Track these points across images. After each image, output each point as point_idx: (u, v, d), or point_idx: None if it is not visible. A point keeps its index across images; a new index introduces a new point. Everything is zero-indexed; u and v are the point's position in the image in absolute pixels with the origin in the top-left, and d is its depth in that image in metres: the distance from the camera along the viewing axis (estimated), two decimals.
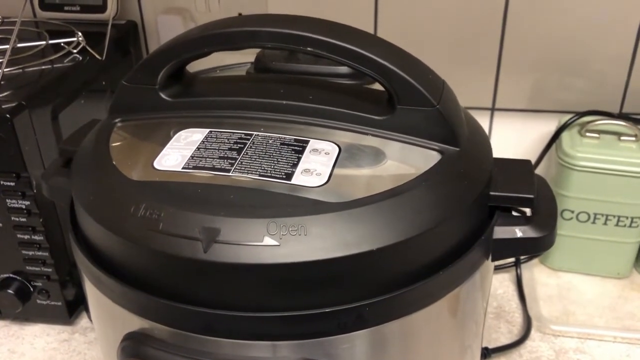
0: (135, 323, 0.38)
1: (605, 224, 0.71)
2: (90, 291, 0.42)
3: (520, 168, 0.42)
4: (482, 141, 0.43)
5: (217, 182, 0.37)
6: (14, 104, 0.58)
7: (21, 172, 0.59)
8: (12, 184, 0.60)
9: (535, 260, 0.76)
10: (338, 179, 0.38)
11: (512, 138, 0.81)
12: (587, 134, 0.70)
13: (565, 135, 0.72)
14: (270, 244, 0.33)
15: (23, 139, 0.58)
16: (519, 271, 0.74)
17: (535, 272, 0.75)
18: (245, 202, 0.36)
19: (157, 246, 0.34)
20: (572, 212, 0.71)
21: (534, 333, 0.67)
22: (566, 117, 0.73)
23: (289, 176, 0.37)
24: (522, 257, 0.75)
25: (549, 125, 0.77)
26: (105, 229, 0.36)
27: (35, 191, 0.60)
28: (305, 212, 0.34)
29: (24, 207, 0.61)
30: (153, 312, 0.36)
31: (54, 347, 0.68)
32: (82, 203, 0.39)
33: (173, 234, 0.34)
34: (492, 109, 0.80)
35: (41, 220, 0.62)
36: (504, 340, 0.66)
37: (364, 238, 0.34)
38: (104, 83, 0.72)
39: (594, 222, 0.71)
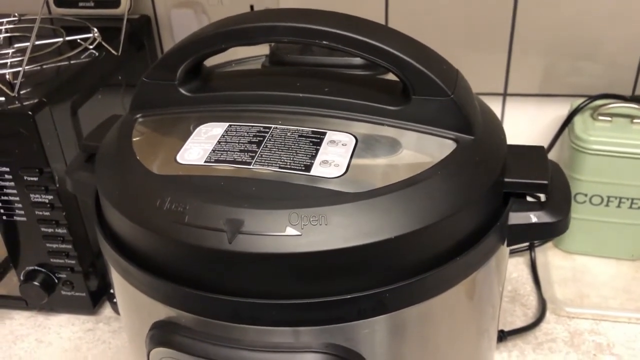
0: (162, 312, 0.40)
1: (618, 206, 0.71)
2: (118, 282, 0.43)
3: (533, 154, 0.43)
4: (496, 129, 0.44)
5: (238, 174, 0.38)
6: (35, 101, 0.60)
7: (44, 167, 0.61)
8: (36, 179, 0.61)
9: (550, 244, 0.77)
10: (356, 169, 0.39)
11: (524, 123, 0.82)
12: (600, 118, 0.71)
13: (577, 119, 0.72)
14: (292, 234, 0.34)
15: (45, 135, 0.60)
16: (533, 255, 0.75)
17: (550, 256, 0.76)
18: (266, 193, 0.37)
19: (183, 238, 0.35)
20: (586, 195, 0.72)
21: (549, 315, 0.68)
22: (578, 101, 0.74)
23: (308, 168, 0.38)
24: (536, 241, 0.75)
25: (561, 110, 0.77)
26: (132, 222, 0.38)
27: (57, 185, 0.62)
28: (325, 202, 0.35)
29: (47, 201, 0.63)
30: (180, 301, 0.37)
31: (79, 336, 0.70)
32: (108, 197, 0.41)
33: (198, 225, 0.35)
34: (504, 94, 0.80)
35: (64, 213, 0.64)
36: (519, 323, 0.67)
37: (382, 226, 0.36)
38: (120, 78, 0.73)
39: (607, 205, 0.72)
